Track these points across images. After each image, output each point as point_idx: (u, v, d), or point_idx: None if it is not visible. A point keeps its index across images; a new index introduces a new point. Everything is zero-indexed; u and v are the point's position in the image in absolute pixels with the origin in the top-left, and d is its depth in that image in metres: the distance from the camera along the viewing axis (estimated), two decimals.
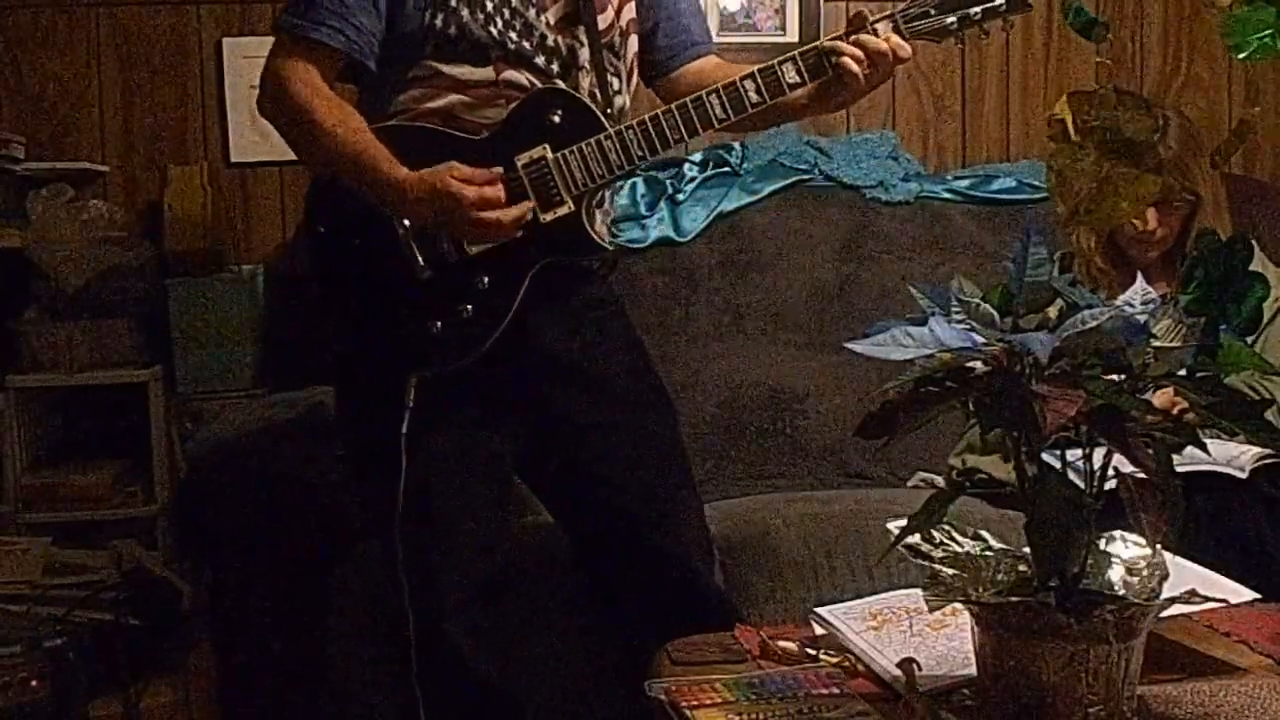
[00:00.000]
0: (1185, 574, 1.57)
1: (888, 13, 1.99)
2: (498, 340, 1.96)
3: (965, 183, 3.22)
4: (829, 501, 2.55)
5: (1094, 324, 1.32)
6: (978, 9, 1.99)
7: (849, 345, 1.37)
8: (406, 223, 1.93)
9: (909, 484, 2.81)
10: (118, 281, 3.04)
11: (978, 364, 1.36)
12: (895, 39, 1.96)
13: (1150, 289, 1.40)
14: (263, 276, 3.16)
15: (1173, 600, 1.37)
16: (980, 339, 1.34)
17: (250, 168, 3.27)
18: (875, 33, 1.97)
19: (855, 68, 1.95)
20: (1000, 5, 1.98)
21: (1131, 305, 1.37)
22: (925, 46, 3.41)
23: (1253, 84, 3.47)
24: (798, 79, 1.98)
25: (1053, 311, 1.39)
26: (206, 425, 2.83)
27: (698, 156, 3.20)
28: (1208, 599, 1.41)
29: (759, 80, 1.97)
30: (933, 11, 1.99)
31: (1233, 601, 1.59)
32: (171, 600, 2.83)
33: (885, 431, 1.38)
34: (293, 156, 3.16)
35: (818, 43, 2.00)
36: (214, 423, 2.75)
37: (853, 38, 1.97)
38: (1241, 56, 1.43)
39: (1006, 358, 1.34)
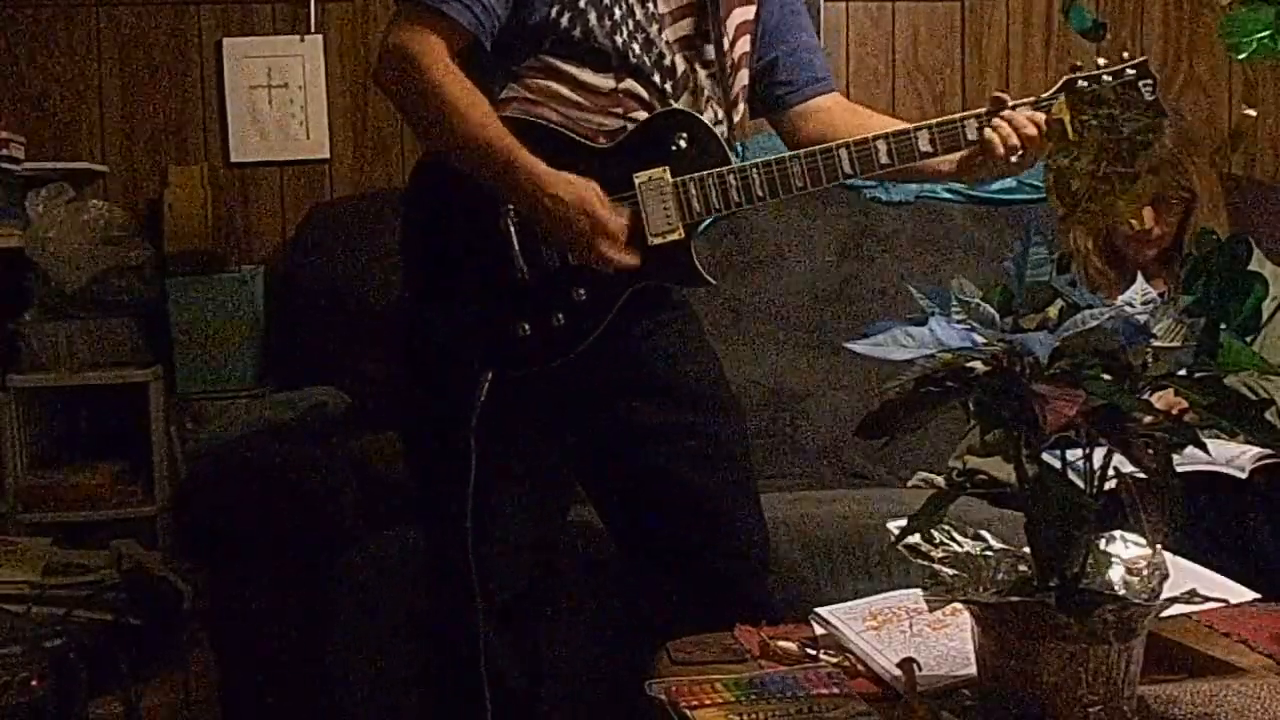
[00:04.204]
0: (1185, 574, 1.58)
1: (1029, 99, 1.97)
2: (582, 351, 1.95)
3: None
4: (829, 501, 2.55)
5: (1094, 324, 1.32)
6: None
7: (849, 345, 1.37)
8: (513, 221, 1.90)
9: (909, 484, 2.81)
10: (118, 281, 3.04)
11: (978, 364, 1.36)
12: (1038, 115, 1.94)
13: (1150, 289, 1.40)
14: (263, 276, 3.16)
15: (1173, 600, 1.37)
16: (980, 339, 1.34)
17: (250, 168, 3.27)
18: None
19: (998, 141, 1.93)
20: None
21: (1131, 305, 1.37)
22: (926, 44, 3.46)
23: (1253, 84, 3.47)
24: (929, 149, 1.96)
25: (1053, 311, 1.39)
26: (206, 425, 2.83)
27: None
28: (1208, 599, 1.41)
29: (891, 143, 1.96)
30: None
31: (1233, 601, 1.59)
32: (171, 600, 2.83)
33: (885, 431, 1.38)
34: (292, 156, 3.26)
35: (958, 116, 1.98)
36: (214, 423, 2.75)
37: (1002, 115, 1.95)
38: (1241, 57, 1.43)
39: (1006, 358, 1.34)
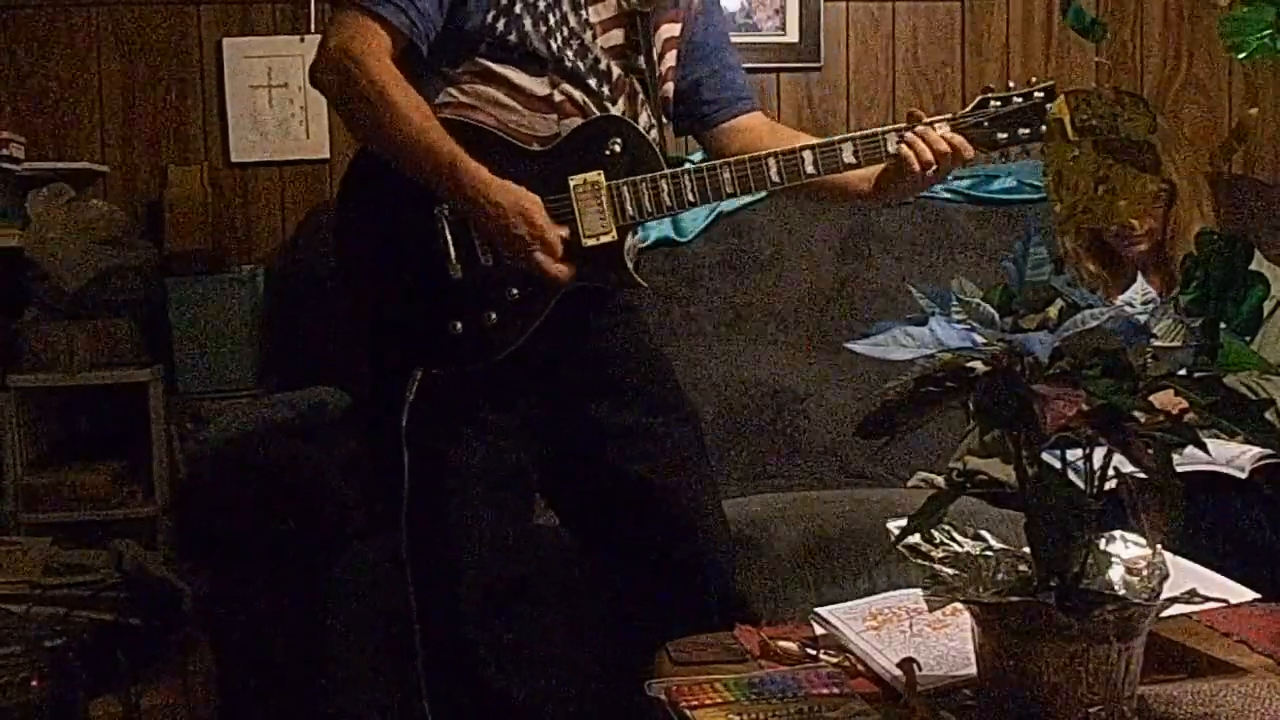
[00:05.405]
0: (1185, 574, 1.58)
1: (946, 116, 2.06)
2: (516, 350, 1.96)
3: (965, 183, 3.22)
4: (829, 501, 2.55)
5: (1094, 324, 1.32)
6: (1026, 131, 2.06)
7: (849, 345, 1.37)
8: (447, 218, 1.93)
9: (909, 484, 2.81)
10: (118, 281, 3.04)
11: (978, 364, 1.36)
12: (957, 138, 2.03)
13: (1150, 289, 1.40)
14: (263, 276, 3.16)
15: (1173, 600, 1.37)
16: (980, 339, 1.34)
17: (250, 168, 3.27)
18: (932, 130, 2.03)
19: (912, 157, 2.00)
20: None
21: (1131, 305, 1.37)
22: (926, 44, 3.46)
23: (1253, 84, 3.47)
24: (853, 160, 2.03)
25: (1053, 311, 1.39)
26: (206, 425, 2.82)
27: (698, 156, 3.19)
28: (1208, 599, 1.41)
29: (817, 154, 2.03)
30: (986, 124, 2.05)
31: (1233, 601, 1.59)
32: (171, 600, 2.83)
33: (885, 431, 1.38)
34: (292, 156, 3.26)
35: (879, 129, 2.04)
36: (214, 423, 2.75)
37: (915, 131, 2.02)
38: (1241, 56, 1.42)
39: (1006, 358, 1.34)
